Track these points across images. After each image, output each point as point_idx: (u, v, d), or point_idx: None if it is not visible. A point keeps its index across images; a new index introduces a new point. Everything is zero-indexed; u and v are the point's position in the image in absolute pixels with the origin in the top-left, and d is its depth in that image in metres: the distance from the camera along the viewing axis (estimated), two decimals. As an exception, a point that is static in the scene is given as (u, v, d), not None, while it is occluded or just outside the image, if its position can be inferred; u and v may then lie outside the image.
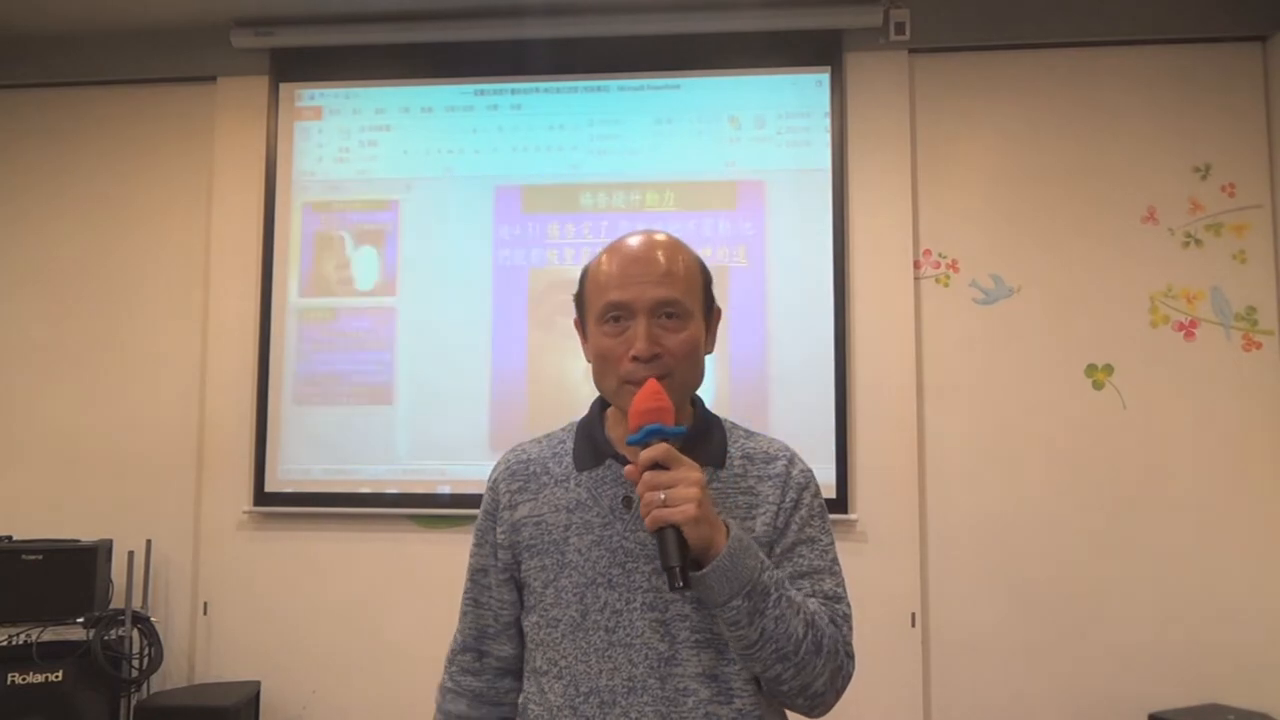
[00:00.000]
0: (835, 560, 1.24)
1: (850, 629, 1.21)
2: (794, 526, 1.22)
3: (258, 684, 3.41)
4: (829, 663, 1.14)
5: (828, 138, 3.48)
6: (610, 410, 1.30)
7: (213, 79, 3.75)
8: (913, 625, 3.29)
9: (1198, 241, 3.38)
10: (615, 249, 1.24)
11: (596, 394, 1.30)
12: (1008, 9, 3.50)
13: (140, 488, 3.62)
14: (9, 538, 3.43)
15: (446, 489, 3.48)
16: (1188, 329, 3.36)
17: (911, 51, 3.53)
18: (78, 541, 3.40)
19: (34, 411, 3.71)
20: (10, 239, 3.80)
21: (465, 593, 1.35)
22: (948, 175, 3.50)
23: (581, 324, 1.28)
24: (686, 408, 1.27)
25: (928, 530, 3.36)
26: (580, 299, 1.27)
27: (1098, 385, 3.37)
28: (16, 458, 3.70)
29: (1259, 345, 3.33)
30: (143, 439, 3.65)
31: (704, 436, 1.26)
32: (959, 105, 3.51)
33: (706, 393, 1.40)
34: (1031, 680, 3.27)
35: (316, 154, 3.68)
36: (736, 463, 1.25)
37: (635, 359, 1.17)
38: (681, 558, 1.06)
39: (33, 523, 3.55)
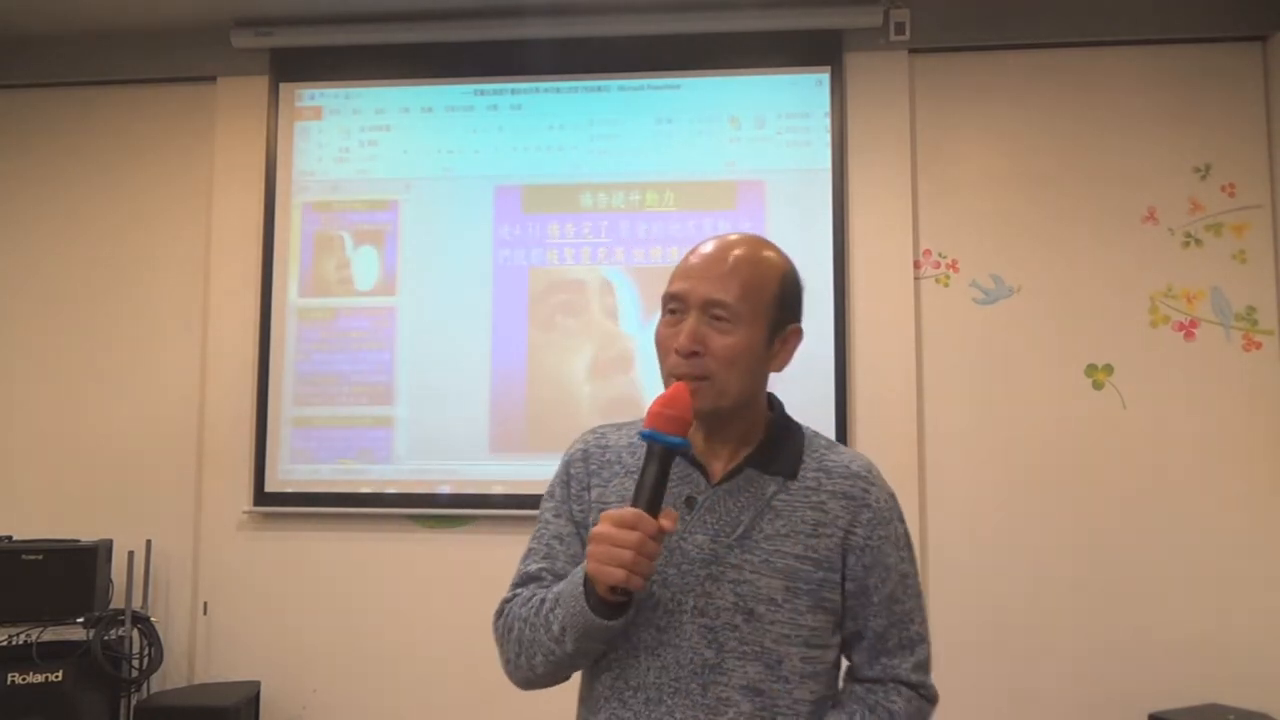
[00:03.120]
0: (919, 592, 1.26)
1: (928, 665, 1.27)
2: (891, 570, 1.21)
3: (258, 684, 3.41)
4: None
5: (828, 138, 3.48)
6: None
7: (213, 79, 3.75)
8: (913, 625, 3.29)
9: (1198, 241, 3.38)
10: (699, 244, 1.23)
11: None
12: (1008, 9, 3.50)
13: (140, 488, 3.62)
14: (9, 538, 3.43)
15: (446, 489, 3.47)
16: (1188, 329, 3.36)
17: (911, 51, 3.52)
18: (78, 541, 3.40)
19: (34, 411, 3.71)
20: (10, 239, 3.80)
21: (537, 540, 1.28)
22: (948, 175, 3.49)
23: None
24: (746, 415, 1.22)
25: (928, 530, 3.36)
26: None
27: (1098, 385, 3.37)
28: (16, 458, 3.70)
29: (1259, 345, 3.32)
30: (143, 439, 3.65)
31: (779, 443, 1.23)
32: (959, 105, 3.51)
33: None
34: (1032, 680, 3.27)
35: (316, 154, 3.68)
36: (810, 475, 1.21)
37: (678, 353, 1.16)
38: None
39: (33, 523, 3.55)
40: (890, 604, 1.21)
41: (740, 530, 1.17)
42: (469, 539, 3.42)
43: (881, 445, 3.38)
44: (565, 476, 1.28)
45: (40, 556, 3.29)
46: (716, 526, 1.17)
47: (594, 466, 1.27)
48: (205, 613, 3.54)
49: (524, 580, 1.25)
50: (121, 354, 3.71)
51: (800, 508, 1.19)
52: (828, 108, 3.50)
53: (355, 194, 3.65)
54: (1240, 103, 3.39)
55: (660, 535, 1.07)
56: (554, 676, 1.20)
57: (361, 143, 3.67)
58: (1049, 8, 3.48)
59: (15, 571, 3.26)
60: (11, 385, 3.74)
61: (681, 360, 1.15)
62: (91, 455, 3.66)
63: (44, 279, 3.78)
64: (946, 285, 3.46)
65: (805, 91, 3.52)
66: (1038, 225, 3.44)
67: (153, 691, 3.36)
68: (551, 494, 1.30)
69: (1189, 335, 3.35)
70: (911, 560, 1.25)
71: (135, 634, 3.36)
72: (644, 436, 1.10)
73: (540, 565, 1.24)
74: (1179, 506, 3.28)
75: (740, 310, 1.15)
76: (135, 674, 3.33)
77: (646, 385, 3.47)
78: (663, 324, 1.19)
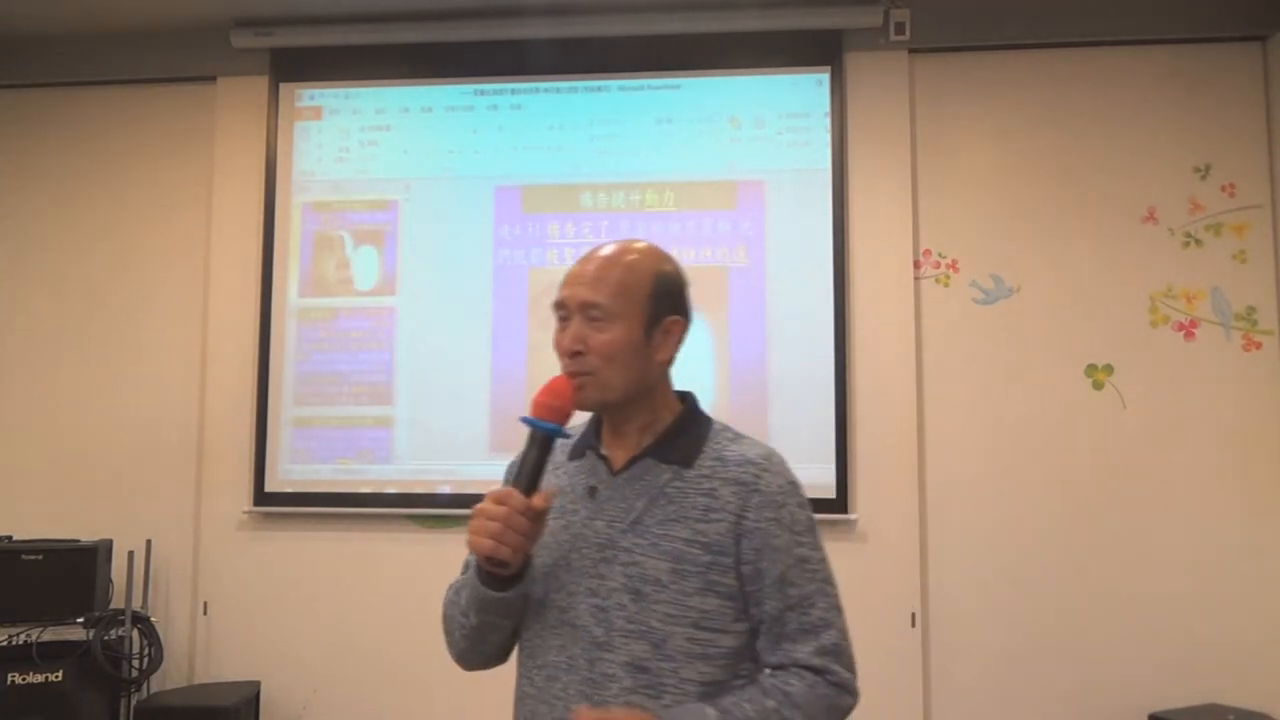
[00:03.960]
0: (827, 578, 1.26)
1: (842, 654, 1.24)
2: (779, 552, 1.23)
3: (258, 684, 3.41)
4: None
5: (828, 138, 3.48)
6: None
7: (213, 79, 3.75)
8: (913, 625, 3.29)
9: (1198, 241, 3.38)
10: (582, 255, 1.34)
11: None
12: (1008, 9, 3.50)
13: (140, 488, 3.62)
14: (9, 538, 3.43)
15: (446, 489, 3.48)
16: (1188, 329, 3.36)
17: (911, 51, 3.52)
18: (78, 541, 3.40)
19: (34, 411, 3.71)
20: (10, 239, 3.80)
21: None
22: (948, 175, 3.49)
23: None
24: (643, 407, 1.30)
25: (928, 530, 3.36)
26: None
27: (1098, 385, 3.37)
28: (16, 458, 3.70)
29: (1259, 345, 3.32)
30: (143, 439, 3.65)
31: (678, 435, 1.30)
32: (959, 105, 3.51)
33: (702, 391, 1.43)
34: (1031, 680, 3.27)
35: (316, 154, 3.68)
36: (707, 464, 1.27)
37: (563, 353, 1.27)
38: None
39: (33, 523, 3.55)
40: (783, 586, 1.23)
41: (633, 516, 1.25)
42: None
43: (881, 445, 3.38)
44: (505, 478, 1.36)
45: (40, 556, 3.29)
46: (613, 513, 1.26)
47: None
48: (205, 613, 3.54)
49: (463, 571, 1.36)
50: (121, 354, 3.71)
51: (692, 494, 1.25)
52: (828, 108, 3.49)
53: (355, 194, 3.65)
54: (1240, 103, 3.39)
55: (530, 511, 1.16)
56: (476, 650, 1.30)
57: (361, 143, 3.67)
58: (1049, 8, 3.48)
59: (15, 571, 3.26)
60: (11, 385, 3.74)
61: (568, 360, 1.26)
62: (91, 455, 3.66)
63: (44, 279, 3.78)
64: (946, 285, 3.46)
65: (805, 91, 3.52)
66: (1038, 225, 3.44)
67: (153, 691, 3.36)
68: None
69: (1189, 335, 3.35)
70: (814, 546, 1.26)
71: (135, 634, 3.36)
72: (523, 421, 1.20)
73: (472, 557, 1.33)
74: (1179, 506, 3.28)
75: (613, 309, 1.25)
76: (135, 674, 3.33)
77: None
78: (556, 330, 1.29)
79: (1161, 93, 3.43)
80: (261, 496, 3.55)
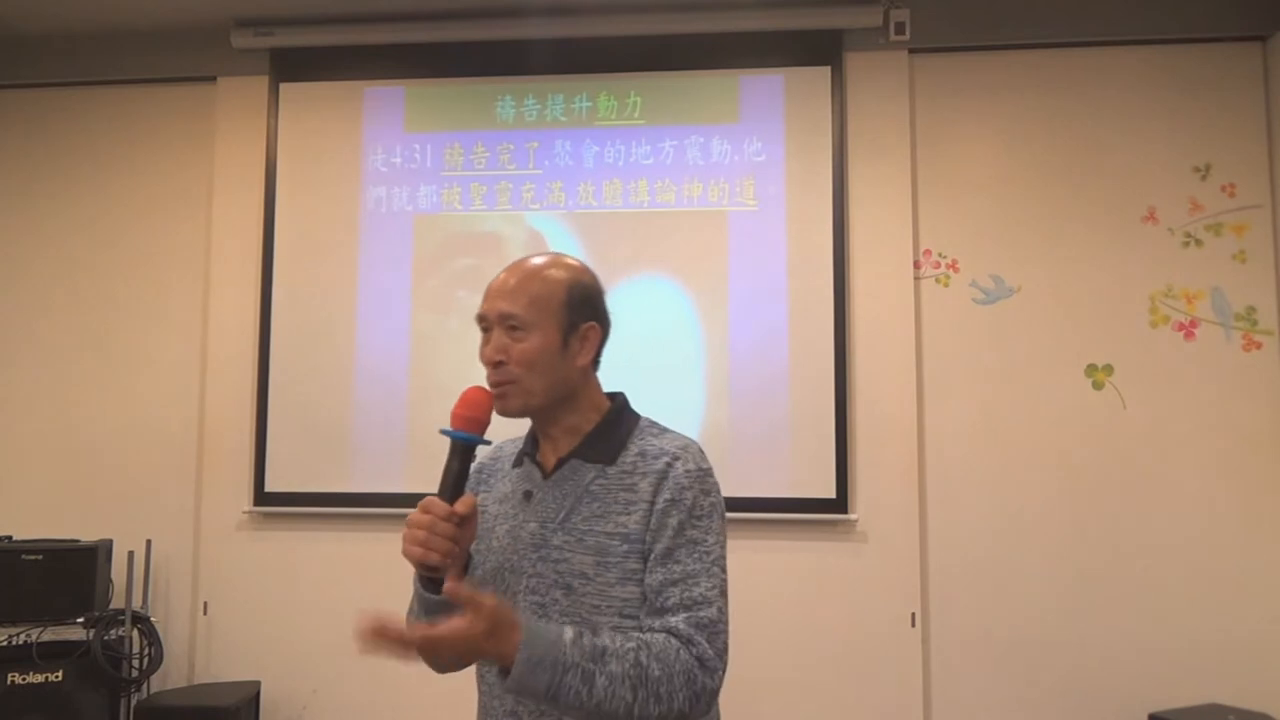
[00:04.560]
0: (716, 562, 1.28)
1: (716, 635, 1.23)
2: (670, 529, 1.27)
3: (258, 684, 3.41)
4: (678, 694, 1.18)
5: (828, 138, 3.48)
6: None
7: (213, 79, 3.75)
8: (913, 625, 3.29)
9: (1198, 241, 3.38)
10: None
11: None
12: (1008, 9, 3.50)
13: (140, 488, 3.62)
14: (9, 538, 3.43)
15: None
16: (1188, 329, 3.36)
17: (911, 51, 3.53)
18: (78, 541, 3.40)
19: (34, 411, 3.71)
20: (10, 238, 3.80)
21: None
22: (948, 175, 3.50)
23: None
24: (568, 410, 1.36)
25: (928, 530, 3.36)
26: None
27: (1098, 385, 3.37)
28: (16, 458, 3.70)
29: (1259, 345, 3.32)
30: (143, 439, 3.65)
31: (602, 435, 1.36)
32: (959, 105, 3.51)
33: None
34: (1031, 680, 3.27)
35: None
36: (629, 460, 1.34)
37: (486, 364, 1.34)
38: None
39: (33, 523, 3.55)
40: (668, 561, 1.26)
41: (562, 515, 1.32)
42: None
43: (881, 445, 3.38)
44: (474, 481, 1.46)
45: (40, 556, 3.29)
46: (544, 514, 1.33)
47: (485, 474, 1.47)
48: (205, 613, 3.54)
49: None
50: (122, 354, 3.71)
51: (614, 490, 1.31)
52: (828, 108, 3.49)
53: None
54: (1240, 103, 3.40)
55: (453, 517, 1.21)
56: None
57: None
58: (1049, 8, 3.48)
59: (15, 571, 3.26)
60: (12, 385, 3.74)
61: (491, 370, 1.32)
62: (91, 455, 3.66)
63: (44, 279, 3.78)
64: (946, 285, 3.46)
65: (805, 91, 3.52)
66: (1038, 225, 3.44)
67: (153, 691, 3.36)
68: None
69: (1189, 335, 3.35)
70: (708, 531, 1.28)
71: (135, 634, 3.36)
72: (442, 433, 1.26)
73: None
74: (1179, 506, 3.28)
75: (529, 318, 1.31)
76: (135, 674, 3.33)
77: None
78: (481, 344, 1.36)
79: (1161, 93, 3.43)
80: (261, 496, 3.55)
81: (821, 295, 3.42)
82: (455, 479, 1.25)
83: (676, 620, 1.22)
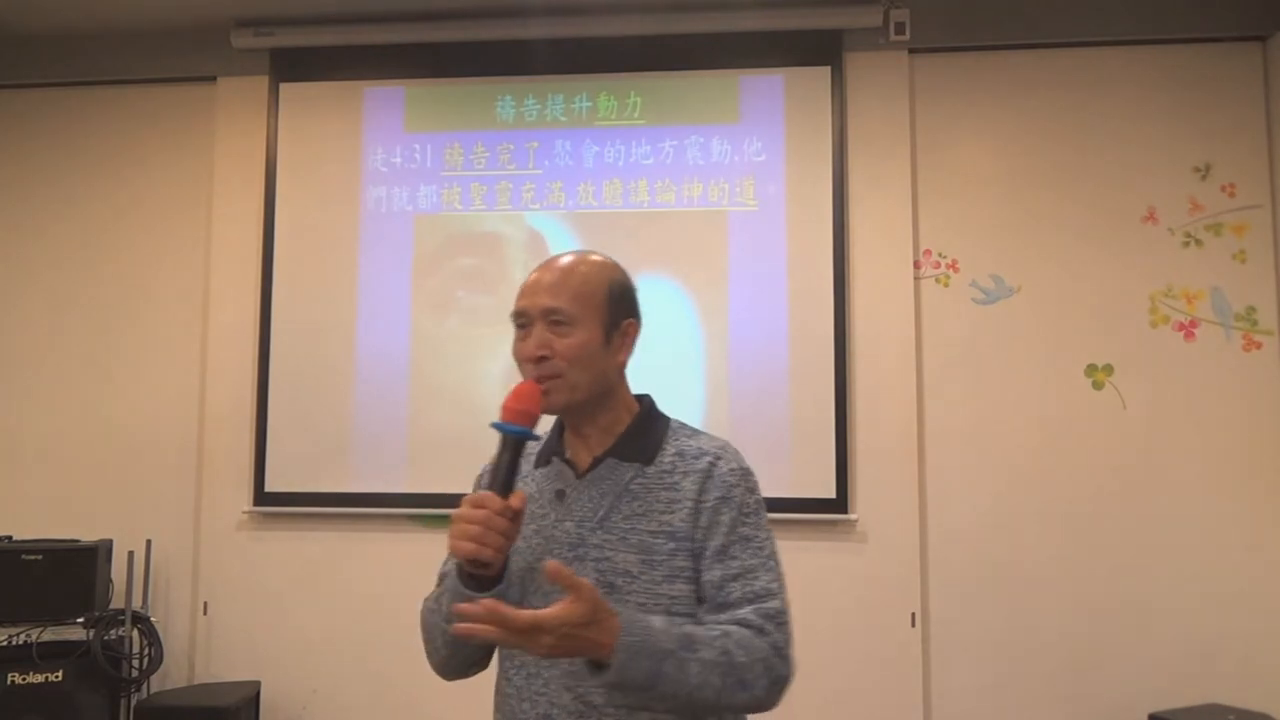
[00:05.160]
0: (771, 555, 1.30)
1: (783, 625, 1.26)
2: (724, 526, 1.28)
3: (258, 684, 3.41)
4: (760, 681, 1.20)
5: (828, 138, 3.48)
6: None
7: (213, 79, 3.75)
8: (913, 625, 3.29)
9: (1198, 241, 3.38)
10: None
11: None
12: (1008, 9, 3.50)
13: (140, 488, 3.62)
14: (9, 538, 3.43)
15: (447, 489, 3.47)
16: (1188, 329, 3.36)
17: (911, 51, 3.52)
18: (78, 541, 3.40)
19: (34, 411, 3.71)
20: (10, 239, 3.80)
21: (449, 557, 1.35)
22: (948, 175, 3.49)
23: None
24: (605, 409, 1.35)
25: (928, 530, 3.36)
26: None
27: (1098, 385, 3.37)
28: (16, 458, 3.70)
29: (1259, 345, 3.33)
30: (143, 439, 3.65)
31: (638, 434, 1.36)
32: (959, 105, 3.51)
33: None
34: (1031, 680, 3.27)
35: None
36: (667, 460, 1.33)
37: (528, 360, 1.30)
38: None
39: (33, 523, 3.55)
40: (724, 557, 1.27)
41: (601, 514, 1.30)
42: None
43: (881, 445, 3.38)
44: (476, 485, 1.41)
45: (40, 556, 3.29)
46: (581, 514, 1.31)
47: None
48: (205, 613, 3.54)
49: (438, 583, 1.39)
50: (122, 354, 3.71)
51: (655, 489, 1.31)
52: (828, 108, 3.49)
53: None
54: (1240, 103, 3.40)
55: (508, 512, 1.18)
56: (457, 657, 1.34)
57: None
58: (1049, 8, 3.48)
59: (15, 571, 3.26)
60: (12, 385, 3.74)
61: (533, 366, 1.29)
62: (91, 455, 3.66)
63: (44, 279, 3.78)
64: (946, 285, 3.46)
65: (805, 91, 3.52)
66: (1038, 225, 3.44)
67: (153, 691, 3.36)
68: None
69: (1189, 335, 3.35)
70: (759, 528, 1.31)
71: (135, 634, 3.36)
72: (494, 427, 1.23)
73: (447, 567, 1.36)
74: (1179, 506, 3.28)
75: (574, 313, 1.30)
76: (135, 674, 3.33)
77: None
78: (515, 341, 1.33)
79: (1161, 93, 3.43)
80: (261, 496, 3.55)
81: (821, 295, 3.41)
82: (507, 473, 1.22)
83: (745, 613, 1.24)
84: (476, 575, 1.21)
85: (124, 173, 3.79)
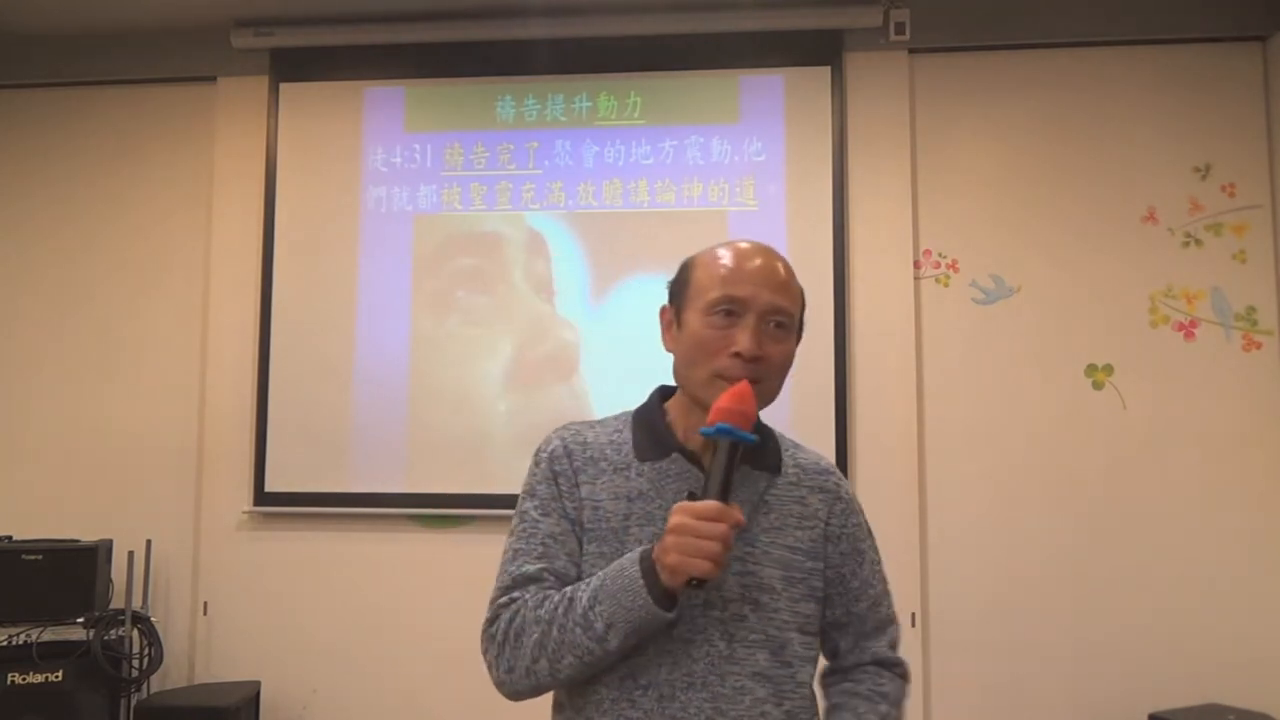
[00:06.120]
0: (885, 576, 1.37)
1: (898, 642, 1.35)
2: (865, 555, 1.32)
3: (258, 684, 3.41)
4: (903, 713, 1.30)
5: (828, 138, 3.48)
6: (673, 402, 1.28)
7: (213, 79, 3.75)
8: (913, 625, 3.29)
9: (1198, 241, 3.38)
10: (732, 247, 1.24)
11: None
12: (1008, 9, 3.50)
13: (140, 488, 3.62)
14: (9, 538, 3.43)
15: (447, 489, 3.47)
16: (1188, 329, 3.36)
17: (911, 51, 3.53)
18: (78, 541, 3.40)
19: (34, 411, 3.71)
20: (10, 239, 3.80)
21: (525, 540, 1.22)
22: (948, 175, 3.49)
23: (676, 312, 1.26)
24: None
25: (928, 530, 3.36)
26: (681, 286, 1.26)
27: (1098, 385, 3.37)
28: (16, 458, 3.70)
29: (1259, 345, 3.33)
30: (143, 439, 3.65)
31: (762, 441, 1.25)
32: (959, 105, 3.51)
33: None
34: (1031, 679, 3.27)
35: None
36: (790, 471, 1.29)
37: (737, 355, 1.16)
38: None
39: (33, 523, 3.54)
40: (867, 588, 1.31)
41: None
42: (469, 539, 3.42)
43: (881, 445, 3.38)
44: (550, 473, 1.25)
45: (40, 556, 3.29)
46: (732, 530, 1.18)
47: (578, 464, 1.25)
48: (205, 613, 3.54)
49: (519, 582, 1.20)
50: (122, 354, 3.71)
51: (787, 501, 1.26)
52: (828, 108, 3.49)
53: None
54: (1240, 103, 3.40)
55: (738, 525, 1.10)
56: (572, 681, 1.17)
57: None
58: (1049, 8, 3.48)
59: (15, 571, 3.26)
60: (12, 385, 3.74)
61: (739, 363, 1.16)
62: (91, 455, 3.66)
63: (44, 279, 3.78)
64: (946, 285, 3.46)
65: (805, 91, 3.52)
66: (1038, 225, 3.44)
67: (153, 691, 3.36)
68: (533, 492, 1.26)
69: (1189, 335, 3.35)
70: (875, 548, 1.36)
71: (135, 634, 3.36)
72: (717, 432, 1.10)
73: (538, 566, 1.20)
74: (1179, 506, 3.28)
75: (794, 321, 1.23)
76: (135, 674, 3.33)
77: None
78: (706, 324, 1.19)
79: (1161, 93, 3.43)
80: (261, 496, 3.54)
81: (821, 295, 3.41)
82: (727, 483, 1.10)
83: (880, 646, 1.30)
84: (678, 592, 1.09)
85: (124, 173, 3.78)
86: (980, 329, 3.43)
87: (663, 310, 1.29)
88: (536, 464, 1.27)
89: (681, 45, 3.55)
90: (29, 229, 3.80)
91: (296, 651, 3.48)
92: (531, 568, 1.20)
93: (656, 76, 3.56)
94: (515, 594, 1.19)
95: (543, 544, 1.22)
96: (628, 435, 1.27)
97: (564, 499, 1.23)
